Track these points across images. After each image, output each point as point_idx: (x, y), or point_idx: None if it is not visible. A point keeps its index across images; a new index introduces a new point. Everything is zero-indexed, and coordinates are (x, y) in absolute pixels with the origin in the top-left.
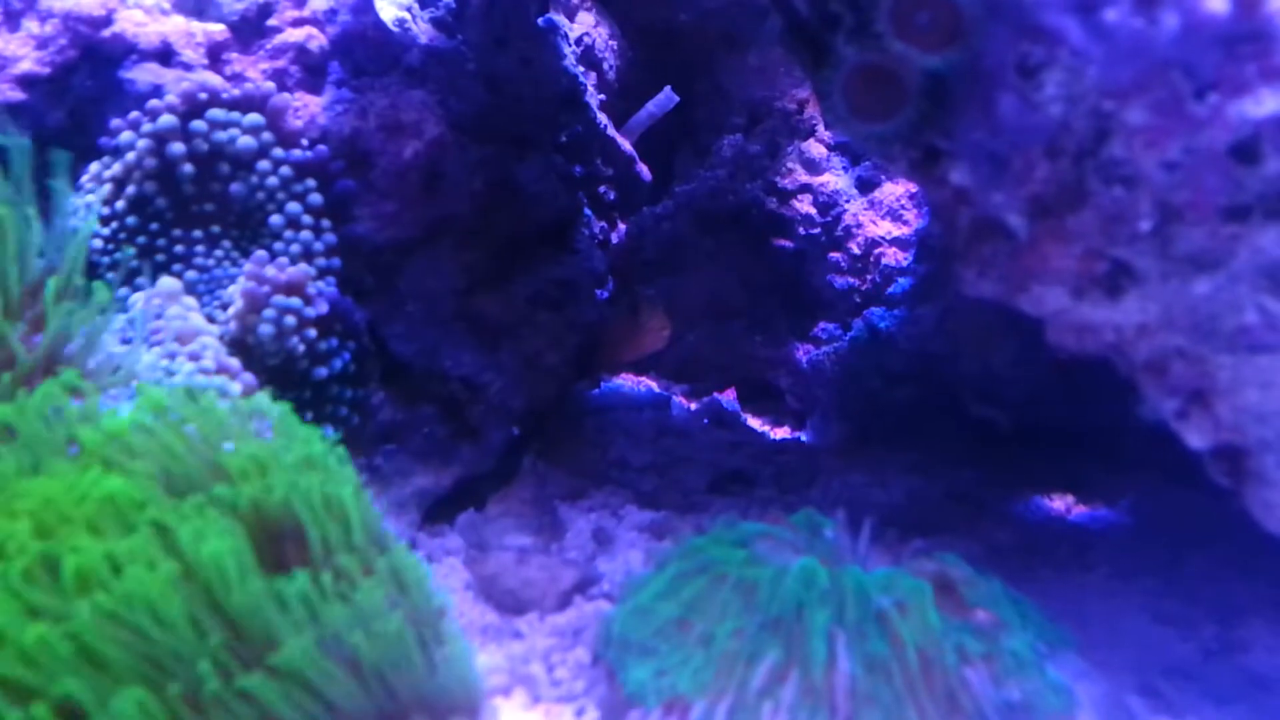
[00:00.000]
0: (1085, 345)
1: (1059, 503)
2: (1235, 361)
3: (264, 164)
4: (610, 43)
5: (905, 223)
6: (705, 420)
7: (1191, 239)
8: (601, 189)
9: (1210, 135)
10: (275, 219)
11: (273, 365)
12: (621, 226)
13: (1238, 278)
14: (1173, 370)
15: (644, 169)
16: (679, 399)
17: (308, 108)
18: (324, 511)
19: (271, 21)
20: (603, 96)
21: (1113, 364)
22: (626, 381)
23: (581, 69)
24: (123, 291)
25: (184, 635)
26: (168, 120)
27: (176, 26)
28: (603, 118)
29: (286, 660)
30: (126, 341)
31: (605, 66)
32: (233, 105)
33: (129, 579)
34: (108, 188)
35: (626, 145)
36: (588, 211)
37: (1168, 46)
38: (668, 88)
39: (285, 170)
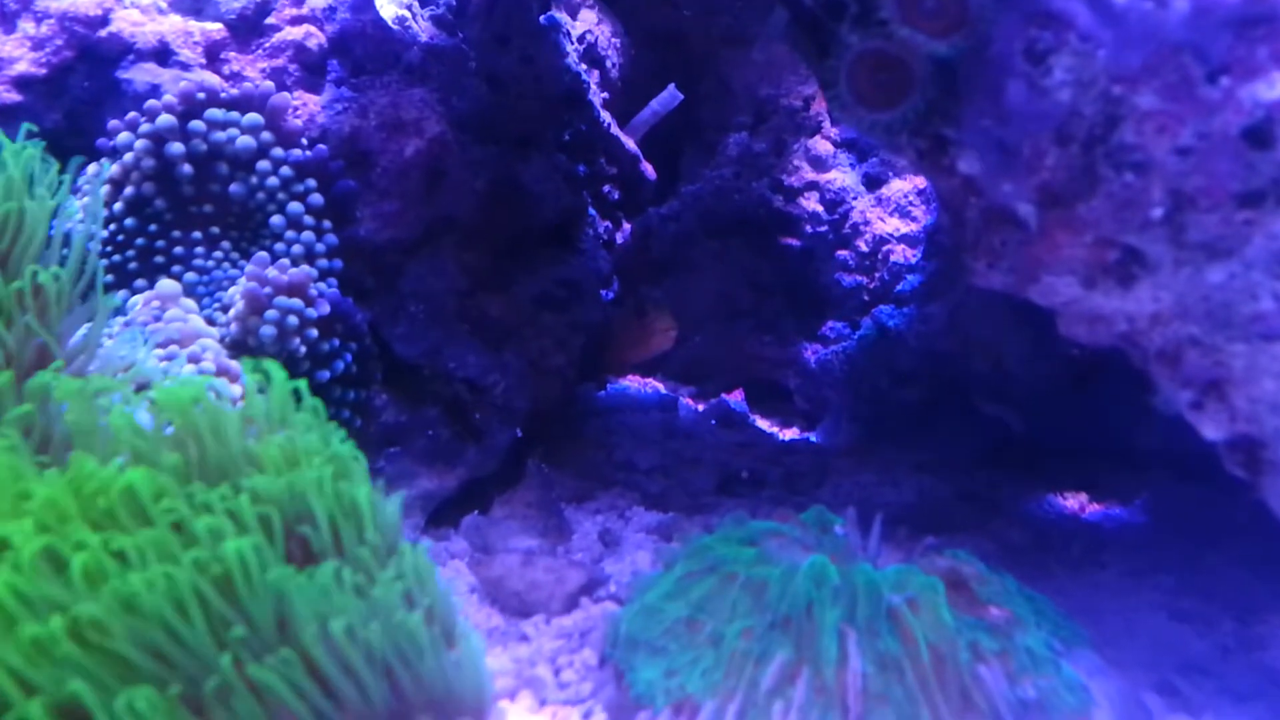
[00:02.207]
0: (1097, 336)
1: (1072, 501)
2: (1250, 350)
3: (263, 164)
4: (613, 40)
5: (913, 219)
6: (713, 421)
7: (1204, 226)
8: (605, 188)
9: (1223, 119)
10: (276, 219)
11: None
12: (626, 226)
13: (1252, 265)
14: (1187, 360)
15: (648, 168)
16: (686, 400)
17: (307, 107)
18: (338, 507)
19: (270, 20)
20: (606, 95)
21: (1125, 356)
22: (633, 383)
23: (584, 67)
24: (122, 294)
25: (199, 629)
26: (166, 120)
27: (174, 26)
28: (606, 116)
29: (301, 649)
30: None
31: (608, 64)
32: (231, 105)
33: (143, 573)
34: (105, 189)
35: (630, 144)
36: (592, 211)
37: (1178, 29)
38: (671, 85)
39: (285, 170)
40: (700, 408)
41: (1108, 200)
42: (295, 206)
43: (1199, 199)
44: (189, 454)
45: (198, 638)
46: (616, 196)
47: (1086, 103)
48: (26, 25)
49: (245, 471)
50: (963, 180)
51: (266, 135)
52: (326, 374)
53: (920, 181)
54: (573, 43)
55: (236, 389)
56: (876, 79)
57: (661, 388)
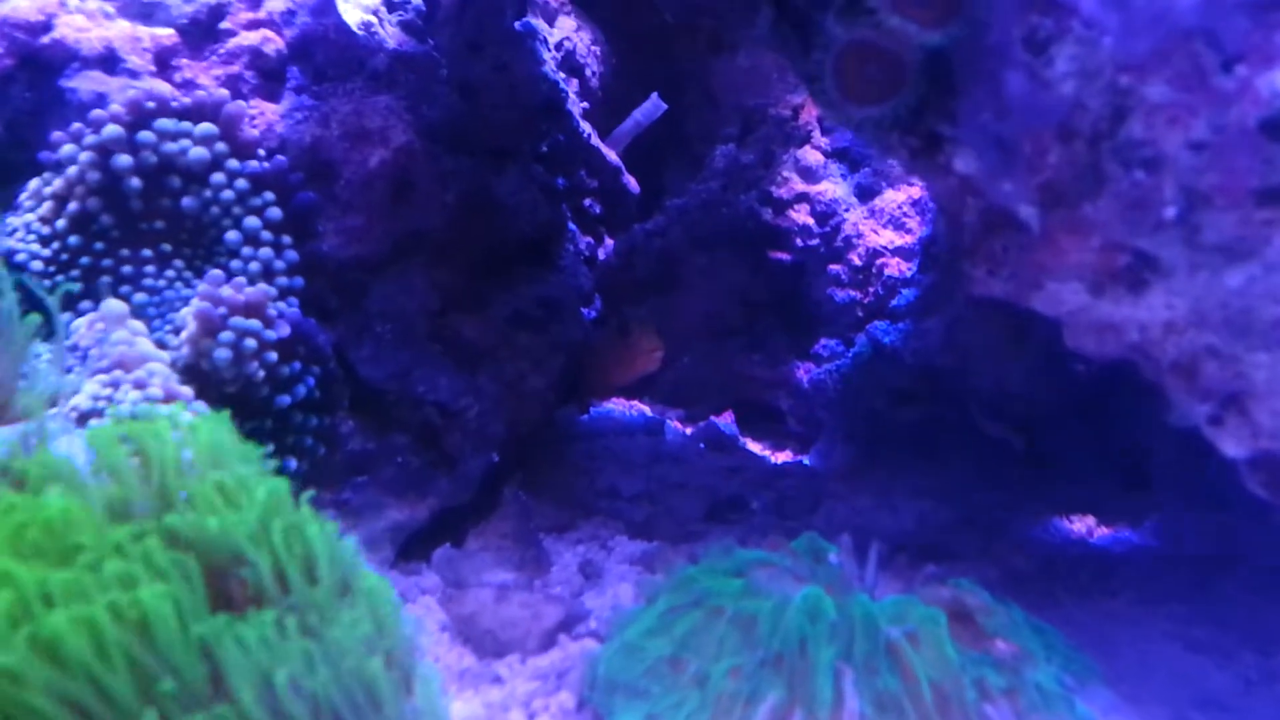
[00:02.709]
0: (1106, 347)
1: (1079, 525)
2: (1273, 360)
3: (218, 176)
4: (593, 48)
5: (908, 231)
6: (701, 445)
7: (1221, 226)
8: (586, 202)
9: (1239, 111)
10: (231, 235)
11: (230, 393)
12: (609, 241)
13: (1273, 267)
14: (1204, 372)
15: (631, 180)
16: (674, 424)
17: (264, 116)
18: (285, 544)
19: (224, 24)
20: (585, 104)
21: (1136, 369)
22: (617, 406)
23: (562, 75)
24: (65, 317)
25: (121, 683)
26: (112, 131)
27: (121, 31)
28: (586, 127)
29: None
30: (68, 370)
31: (588, 73)
32: (183, 114)
33: (58, 619)
34: (48, 205)
35: (612, 156)
36: (572, 226)
37: (1190, 14)
38: (654, 95)
39: (241, 183)
40: (688, 431)
41: (1116, 200)
42: (252, 221)
43: (1215, 197)
44: (119, 493)
45: (121, 691)
46: (598, 211)
47: (1092, 95)
48: None
49: (177, 511)
50: (959, 180)
51: (221, 146)
52: (288, 399)
53: (915, 192)
54: (550, 50)
55: (187, 417)
56: (865, 73)
57: (647, 411)
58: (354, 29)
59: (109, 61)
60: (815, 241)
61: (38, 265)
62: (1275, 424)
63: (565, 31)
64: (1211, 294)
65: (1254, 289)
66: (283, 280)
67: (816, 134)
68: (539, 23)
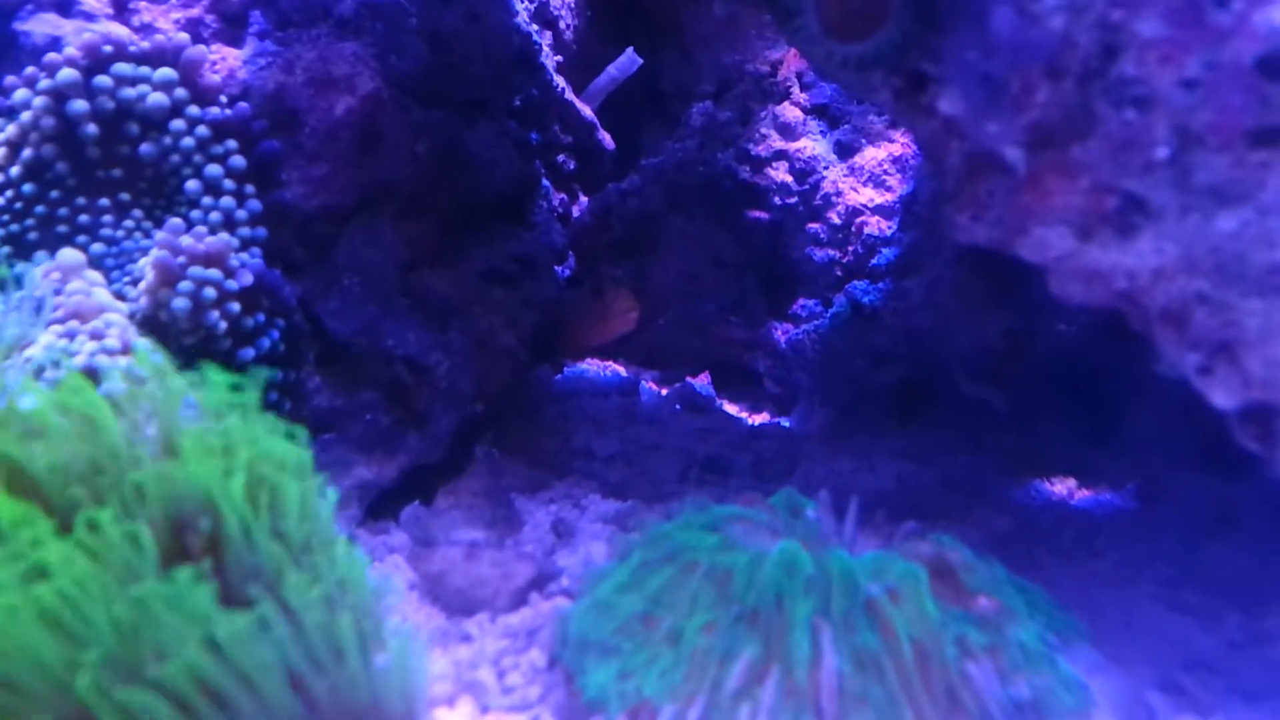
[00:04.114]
0: (1094, 295)
1: (1060, 487)
2: (1266, 307)
3: (178, 123)
4: (566, 0)
5: (888, 189)
6: (677, 406)
7: (1214, 168)
8: (560, 158)
9: (1234, 48)
10: (192, 184)
11: (190, 345)
12: (583, 199)
13: (1268, 211)
14: (1194, 320)
15: (606, 137)
16: (649, 385)
17: (226, 61)
18: (250, 495)
19: None
20: (559, 58)
21: (1124, 320)
22: (592, 367)
23: (535, 27)
24: (20, 268)
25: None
26: (68, 75)
27: None
28: (560, 81)
29: (179, 667)
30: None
31: (561, 25)
32: (141, 59)
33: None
34: (1, 152)
35: (587, 111)
36: (545, 182)
37: None
38: (630, 49)
39: (202, 130)
40: (664, 392)
41: (1105, 141)
42: (213, 169)
43: (1208, 137)
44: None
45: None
46: (572, 167)
47: (1081, 30)
48: None
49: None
50: (943, 122)
51: (181, 92)
52: (251, 352)
53: (895, 149)
54: (523, 1)
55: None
56: (847, 7)
57: (623, 372)
58: None
59: (64, 4)
60: (794, 200)
61: None
62: (1267, 373)
63: None
64: (1203, 238)
65: (1247, 233)
66: (245, 230)
67: (796, 90)
68: None
